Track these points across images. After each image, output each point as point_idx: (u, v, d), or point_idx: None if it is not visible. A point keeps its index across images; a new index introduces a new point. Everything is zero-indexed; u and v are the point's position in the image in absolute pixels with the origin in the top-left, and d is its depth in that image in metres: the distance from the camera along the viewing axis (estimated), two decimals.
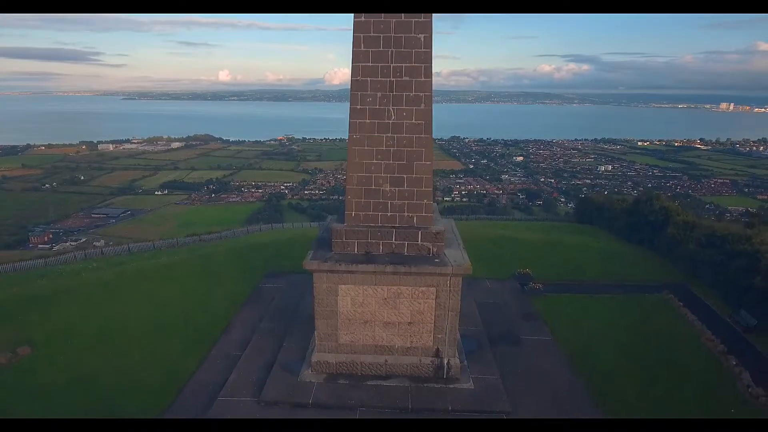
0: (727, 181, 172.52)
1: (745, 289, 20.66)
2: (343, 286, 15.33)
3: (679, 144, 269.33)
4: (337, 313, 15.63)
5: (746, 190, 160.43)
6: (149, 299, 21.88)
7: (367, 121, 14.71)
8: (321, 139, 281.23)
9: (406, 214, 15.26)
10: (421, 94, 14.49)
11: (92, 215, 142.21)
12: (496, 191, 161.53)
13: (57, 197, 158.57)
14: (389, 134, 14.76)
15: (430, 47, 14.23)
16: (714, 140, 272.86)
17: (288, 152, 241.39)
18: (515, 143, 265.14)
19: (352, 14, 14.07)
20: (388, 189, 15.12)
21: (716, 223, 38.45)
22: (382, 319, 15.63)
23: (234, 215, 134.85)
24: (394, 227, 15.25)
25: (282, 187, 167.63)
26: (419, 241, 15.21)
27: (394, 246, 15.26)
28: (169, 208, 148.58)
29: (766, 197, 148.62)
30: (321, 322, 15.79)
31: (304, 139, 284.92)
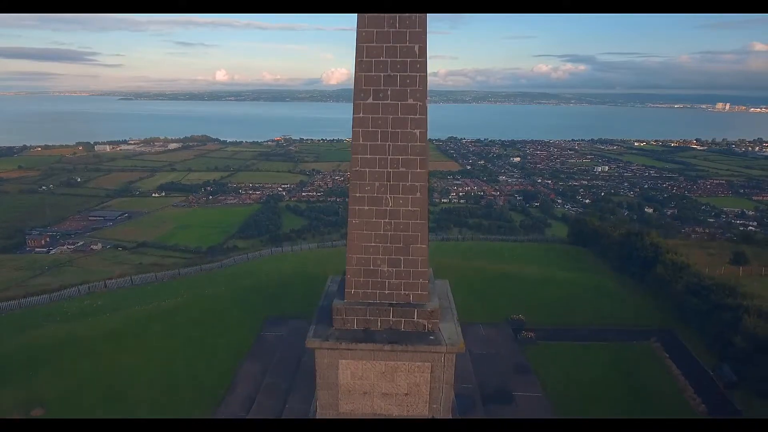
0: (723, 181, 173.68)
1: (728, 342, 21.52)
2: (343, 360, 16.15)
3: (675, 144, 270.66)
4: (337, 384, 16.44)
5: (741, 191, 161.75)
6: (155, 350, 22.60)
7: (366, 207, 15.49)
8: (318, 140, 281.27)
9: (402, 292, 16.07)
10: (417, 184, 15.27)
11: (89, 218, 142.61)
12: (493, 193, 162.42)
13: (54, 199, 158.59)
14: (386, 220, 15.55)
15: (426, 141, 15.00)
16: (710, 140, 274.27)
17: (285, 153, 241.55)
18: (512, 144, 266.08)
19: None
20: (386, 269, 15.92)
21: (704, 249, 39.58)
22: (381, 391, 16.46)
23: (232, 218, 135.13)
24: (391, 305, 16.06)
25: (280, 188, 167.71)
26: (415, 318, 16.02)
27: (391, 323, 16.07)
28: (167, 210, 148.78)
29: (761, 198, 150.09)
30: (322, 393, 16.61)
31: (302, 139, 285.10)
